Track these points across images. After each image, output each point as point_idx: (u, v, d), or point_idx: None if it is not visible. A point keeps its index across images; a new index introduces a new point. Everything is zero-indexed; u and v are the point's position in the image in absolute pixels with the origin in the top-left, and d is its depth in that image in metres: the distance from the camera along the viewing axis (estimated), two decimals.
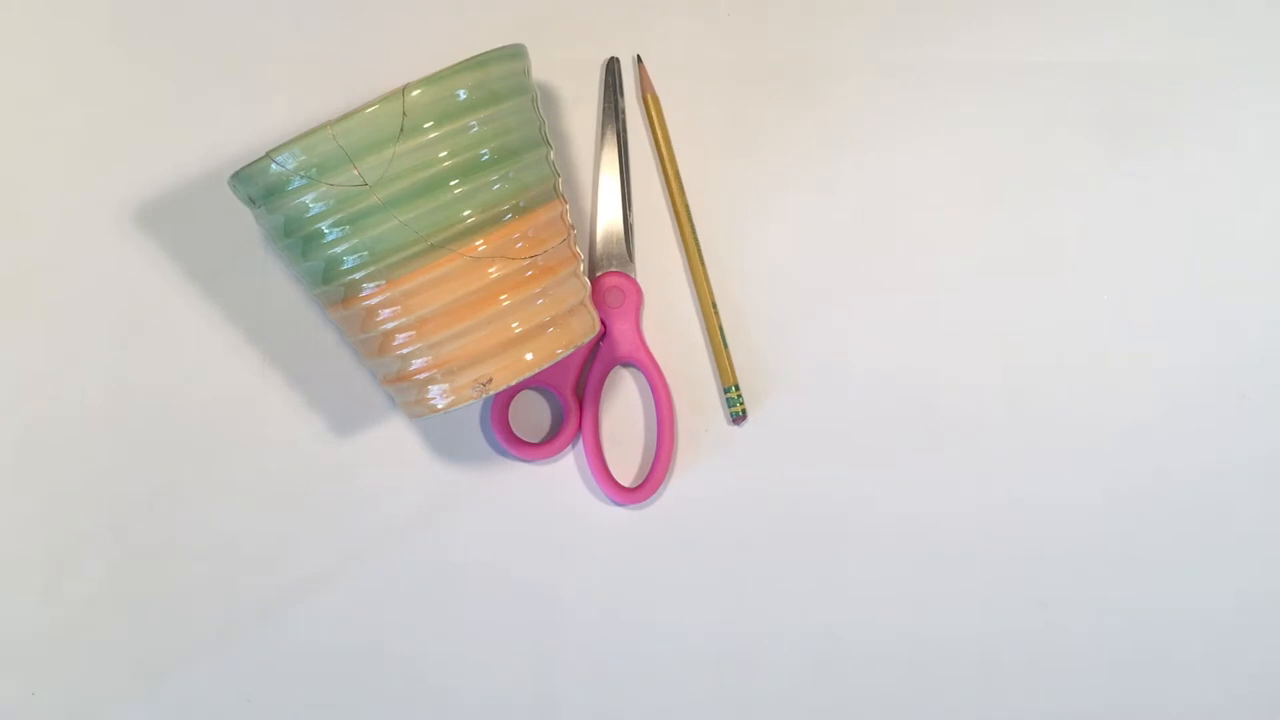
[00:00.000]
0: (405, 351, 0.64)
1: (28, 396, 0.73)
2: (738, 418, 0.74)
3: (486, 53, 0.63)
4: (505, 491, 0.73)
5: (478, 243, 0.63)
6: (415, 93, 0.61)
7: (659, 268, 0.75)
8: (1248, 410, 0.75)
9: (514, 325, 0.64)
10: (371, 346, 0.65)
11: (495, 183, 0.63)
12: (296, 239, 0.64)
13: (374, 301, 0.64)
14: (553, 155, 0.67)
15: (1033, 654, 0.73)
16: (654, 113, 0.75)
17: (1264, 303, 0.76)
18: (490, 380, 0.64)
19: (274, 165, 0.61)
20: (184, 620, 0.72)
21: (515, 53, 0.65)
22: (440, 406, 0.65)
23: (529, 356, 0.65)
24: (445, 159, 0.62)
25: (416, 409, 0.66)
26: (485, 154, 0.63)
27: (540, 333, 0.65)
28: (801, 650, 0.73)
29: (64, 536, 0.72)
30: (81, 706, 0.72)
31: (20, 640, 0.72)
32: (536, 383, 0.73)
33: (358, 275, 0.63)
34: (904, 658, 0.73)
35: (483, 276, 0.63)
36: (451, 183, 0.62)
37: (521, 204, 0.64)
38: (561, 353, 0.65)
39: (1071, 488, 0.74)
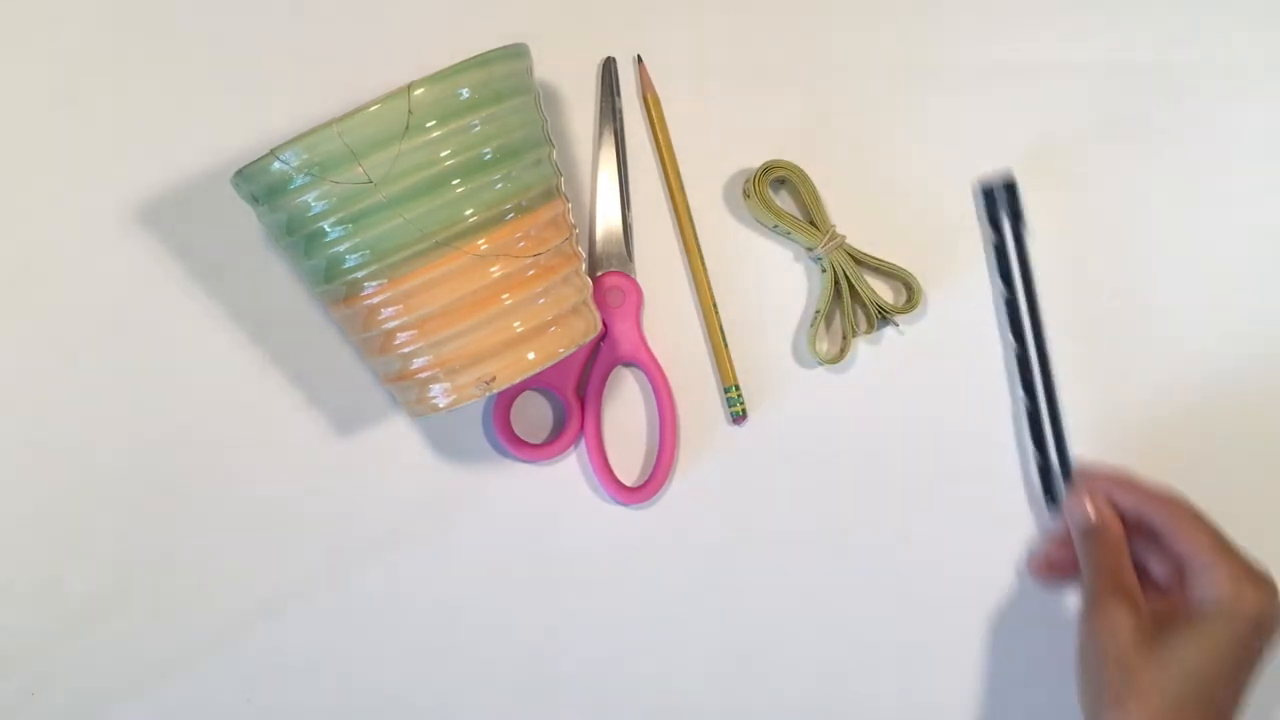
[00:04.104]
0: (407, 350, 0.64)
1: (28, 396, 0.72)
2: (738, 418, 0.74)
3: (489, 52, 0.63)
4: (508, 492, 0.73)
5: (480, 242, 0.63)
6: (419, 91, 0.61)
7: (659, 268, 0.75)
8: (1244, 397, 0.75)
9: (516, 324, 0.64)
10: (373, 345, 0.65)
11: (497, 182, 0.63)
12: (299, 237, 0.64)
13: (375, 300, 0.64)
14: (555, 155, 0.68)
15: (1043, 652, 0.74)
16: (654, 113, 0.75)
17: (1264, 302, 0.76)
18: (494, 379, 0.64)
19: (277, 163, 0.61)
20: (184, 620, 0.72)
21: (518, 52, 0.65)
22: (442, 406, 0.65)
23: (531, 355, 0.65)
24: (448, 158, 0.62)
25: (418, 408, 0.66)
26: (487, 153, 0.63)
27: (542, 332, 0.65)
28: (803, 649, 0.73)
29: (64, 536, 0.72)
30: (81, 706, 0.72)
31: (20, 640, 0.72)
32: (538, 383, 0.73)
33: (359, 274, 0.63)
34: (905, 657, 0.74)
35: (485, 276, 0.63)
36: (454, 182, 0.62)
37: (523, 203, 0.64)
38: (563, 352, 0.65)
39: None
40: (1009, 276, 0.74)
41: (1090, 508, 0.69)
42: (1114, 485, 0.69)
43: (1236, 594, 0.64)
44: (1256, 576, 0.65)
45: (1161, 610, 0.66)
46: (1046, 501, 0.73)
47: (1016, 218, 0.74)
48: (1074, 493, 0.70)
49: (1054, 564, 0.72)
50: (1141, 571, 0.69)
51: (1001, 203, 0.74)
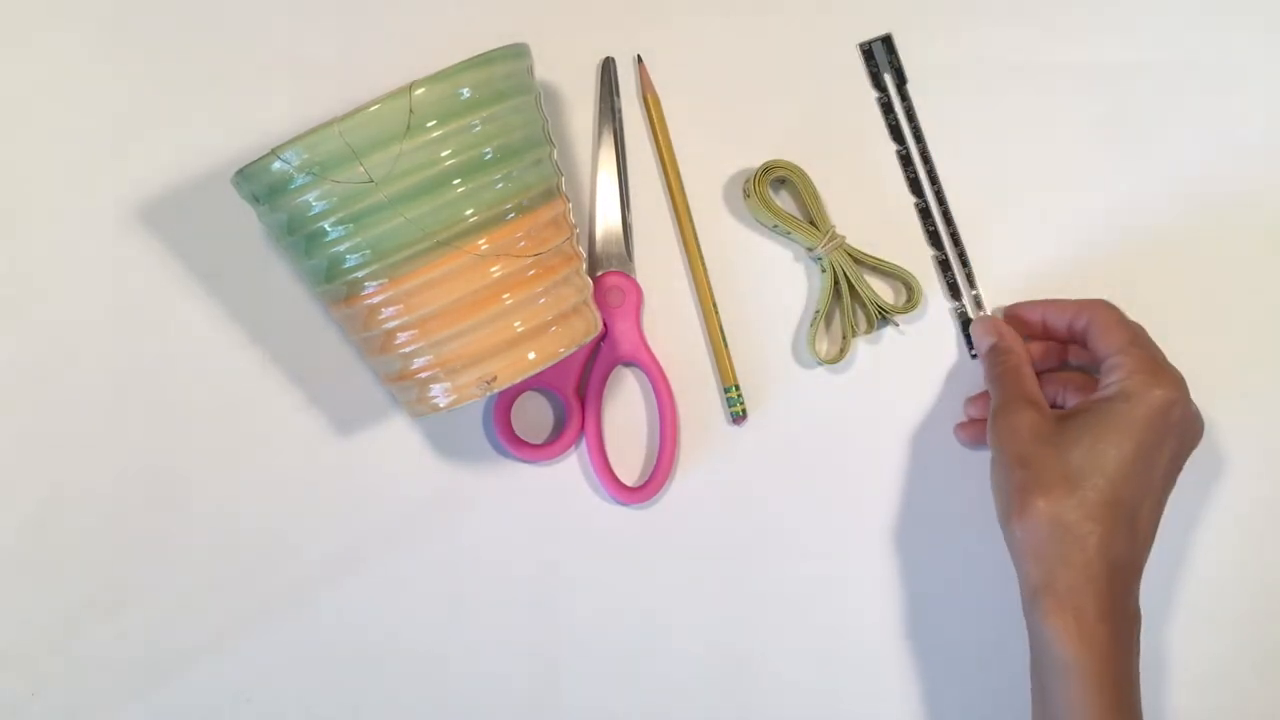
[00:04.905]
0: (407, 350, 0.64)
1: (28, 396, 0.72)
2: (738, 418, 0.74)
3: (490, 52, 0.63)
4: (508, 492, 0.73)
5: (480, 242, 0.63)
6: (420, 91, 0.61)
7: (659, 268, 0.75)
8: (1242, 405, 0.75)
9: (516, 324, 0.64)
10: (373, 345, 0.65)
11: (498, 181, 0.63)
12: (299, 237, 0.64)
13: (376, 300, 0.64)
14: (555, 154, 0.68)
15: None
16: (654, 113, 0.75)
17: (1265, 303, 0.76)
18: (494, 379, 0.64)
19: (278, 163, 0.61)
20: (183, 620, 0.72)
21: (518, 52, 0.65)
22: (442, 405, 0.65)
23: (531, 355, 0.65)
24: (449, 158, 0.62)
25: (418, 408, 0.66)
26: (488, 153, 0.63)
27: (542, 332, 0.65)
28: (804, 648, 0.73)
29: (64, 536, 0.72)
30: (81, 706, 0.72)
31: (20, 640, 0.72)
32: (538, 383, 0.73)
33: (360, 274, 0.63)
34: (908, 655, 0.74)
35: (485, 275, 0.63)
36: (454, 181, 0.62)
37: (524, 203, 0.64)
38: (564, 351, 0.65)
39: None
40: (899, 132, 0.75)
41: (990, 327, 0.71)
42: (1044, 307, 0.71)
43: (1140, 385, 0.64)
44: (1163, 369, 0.65)
45: (1075, 410, 0.66)
46: (971, 354, 0.75)
47: (898, 73, 0.75)
48: (978, 321, 0.72)
49: (975, 423, 0.73)
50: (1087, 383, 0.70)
51: (882, 60, 0.75)
